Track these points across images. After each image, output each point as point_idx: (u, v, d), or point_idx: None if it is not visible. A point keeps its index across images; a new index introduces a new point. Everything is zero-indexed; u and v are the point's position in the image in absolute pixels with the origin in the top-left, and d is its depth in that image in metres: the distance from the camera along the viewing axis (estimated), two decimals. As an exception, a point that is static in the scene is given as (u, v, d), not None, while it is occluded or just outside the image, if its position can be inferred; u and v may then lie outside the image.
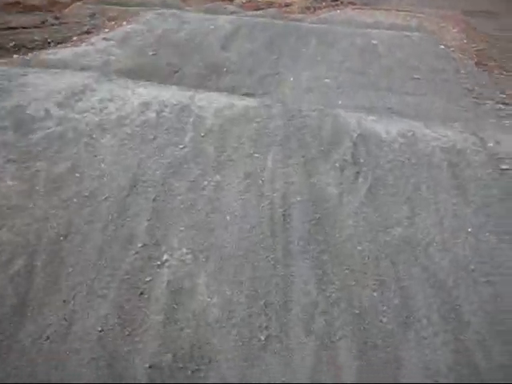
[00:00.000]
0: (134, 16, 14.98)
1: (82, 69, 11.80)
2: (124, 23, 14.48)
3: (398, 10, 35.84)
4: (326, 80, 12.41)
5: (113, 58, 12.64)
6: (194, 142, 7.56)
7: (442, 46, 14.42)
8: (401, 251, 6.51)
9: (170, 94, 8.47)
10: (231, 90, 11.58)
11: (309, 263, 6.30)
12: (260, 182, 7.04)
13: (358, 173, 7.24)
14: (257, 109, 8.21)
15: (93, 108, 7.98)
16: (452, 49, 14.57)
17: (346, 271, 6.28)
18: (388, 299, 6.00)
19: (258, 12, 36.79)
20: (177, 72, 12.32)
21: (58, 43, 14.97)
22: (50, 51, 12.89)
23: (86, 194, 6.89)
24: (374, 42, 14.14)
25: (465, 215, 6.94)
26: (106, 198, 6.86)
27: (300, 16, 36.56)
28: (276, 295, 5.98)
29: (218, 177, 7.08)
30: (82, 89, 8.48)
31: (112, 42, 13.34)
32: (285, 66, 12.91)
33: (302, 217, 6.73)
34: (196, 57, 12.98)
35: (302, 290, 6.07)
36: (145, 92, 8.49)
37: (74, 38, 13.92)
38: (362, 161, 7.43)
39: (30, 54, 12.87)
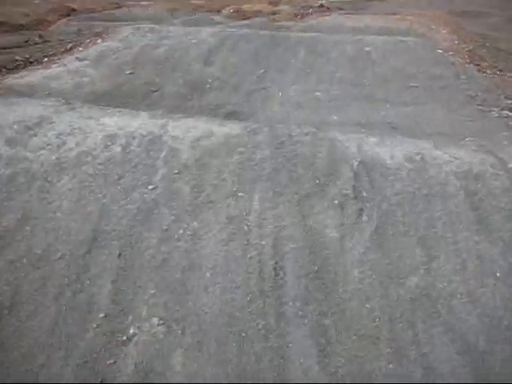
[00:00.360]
0: (109, 33, 13.63)
1: (50, 94, 10.46)
2: (99, 41, 13.12)
3: (386, 14, 34.61)
4: (317, 93, 11.09)
5: (86, 79, 11.30)
6: (166, 180, 6.22)
7: (440, 51, 13.09)
8: (418, 307, 5.17)
9: (140, 123, 7.12)
10: (214, 109, 10.25)
11: (308, 330, 4.96)
12: (245, 227, 5.70)
13: (361, 210, 5.90)
14: (240, 136, 6.86)
15: (49, 144, 6.64)
16: (451, 52, 13.24)
17: (354, 338, 4.94)
18: (408, 372, 4.65)
19: (245, 22, 35.49)
20: (155, 91, 10.99)
21: (40, 63, 13.64)
22: (17, 75, 11.55)
23: (38, 251, 5.54)
24: (367, 48, 12.82)
25: (490, 256, 5.60)
26: (61, 257, 5.51)
27: (288, 24, 35.26)
28: (269, 375, 4.63)
29: (195, 223, 5.74)
30: (39, 121, 7.14)
31: (86, 62, 12.00)
32: (272, 79, 11.58)
33: (298, 269, 5.38)
34: (176, 74, 11.64)
35: (301, 366, 4.73)
36: (111, 122, 7.15)
37: (47, 59, 12.55)
38: (365, 194, 6.09)
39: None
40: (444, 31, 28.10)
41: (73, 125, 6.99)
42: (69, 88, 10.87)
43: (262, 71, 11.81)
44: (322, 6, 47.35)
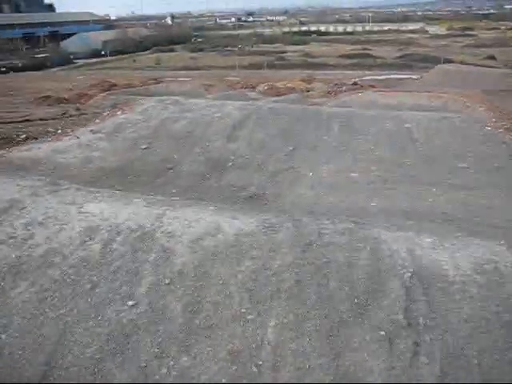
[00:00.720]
0: (130, 104, 12.33)
1: (55, 168, 9.04)
2: (118, 112, 11.80)
3: (419, 92, 33.24)
4: (353, 174, 9.39)
5: (96, 154, 9.87)
6: (152, 294, 4.47)
7: (488, 128, 11.35)
8: None
9: (130, 212, 5.48)
10: (234, 191, 8.64)
11: None
12: (254, 368, 3.87)
13: (417, 345, 4.03)
14: (255, 234, 5.12)
15: (12, 237, 5.01)
16: (500, 130, 11.48)
17: None
18: None
19: (279, 98, 34.50)
20: (171, 169, 9.47)
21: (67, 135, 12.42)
22: (26, 147, 10.19)
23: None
24: (407, 125, 11.17)
25: None
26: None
27: (320, 100, 34.16)
28: None
29: (184, 359, 3.95)
30: (7, 206, 5.56)
31: (100, 135, 10.63)
32: (302, 157, 9.96)
33: None
34: (196, 150, 10.14)
35: None
36: (96, 209, 5.53)
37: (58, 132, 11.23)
38: (421, 322, 4.22)
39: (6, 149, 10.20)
40: (481, 109, 26.48)
41: (48, 212, 5.39)
42: (76, 163, 9.44)
43: (290, 148, 10.23)
44: (355, 83, 46.40)
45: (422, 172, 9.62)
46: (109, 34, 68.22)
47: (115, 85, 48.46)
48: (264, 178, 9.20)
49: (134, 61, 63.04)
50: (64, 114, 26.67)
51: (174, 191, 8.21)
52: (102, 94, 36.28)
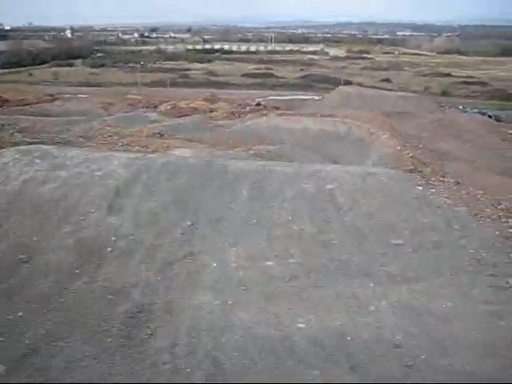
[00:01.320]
0: (-13, 158, 9.38)
1: None
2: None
3: (322, 116, 31.80)
4: (269, 263, 7.11)
5: None
6: None
7: (419, 188, 9.47)
8: None
9: None
10: (111, 302, 6.05)
11: None
12: None
13: None
14: None
15: None
16: (432, 190, 9.64)
17: None
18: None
19: (181, 120, 31.92)
20: (26, 262, 6.70)
21: None
22: None
23: None
24: (330, 186, 9.07)
25: None
26: None
27: (224, 122, 31.95)
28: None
29: None
30: None
31: None
32: (203, 237, 7.58)
33: None
34: (66, 228, 7.44)
35: None
36: None
37: None
38: None
39: None
40: (384, 136, 25.27)
41: None
42: None
43: (188, 223, 7.84)
44: (258, 104, 44.71)
45: (351, 254, 7.53)
46: (2, 45, 62.47)
47: (8, 100, 43.70)
48: (153, 272, 6.72)
49: (30, 74, 58.22)
50: None
51: (19, 313, 5.48)
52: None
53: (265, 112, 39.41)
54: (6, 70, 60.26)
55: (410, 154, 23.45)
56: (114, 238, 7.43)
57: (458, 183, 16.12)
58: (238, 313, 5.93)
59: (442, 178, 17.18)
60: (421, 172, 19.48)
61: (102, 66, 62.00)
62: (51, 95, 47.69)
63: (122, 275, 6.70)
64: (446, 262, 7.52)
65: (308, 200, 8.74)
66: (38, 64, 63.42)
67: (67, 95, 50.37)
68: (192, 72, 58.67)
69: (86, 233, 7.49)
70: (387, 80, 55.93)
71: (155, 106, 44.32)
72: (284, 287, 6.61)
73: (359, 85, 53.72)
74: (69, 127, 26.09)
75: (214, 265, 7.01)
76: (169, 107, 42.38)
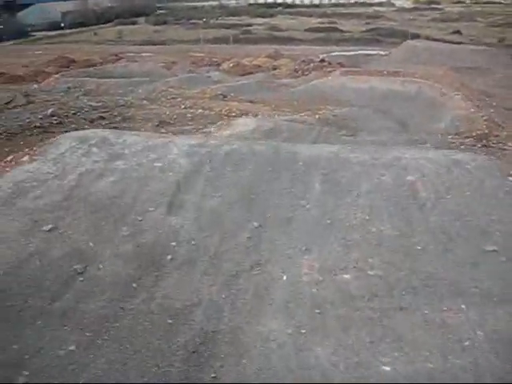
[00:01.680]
0: (44, 144, 8.79)
1: None
2: (25, 158, 8.27)
3: (389, 73, 29.95)
4: (345, 276, 6.22)
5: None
6: None
7: (511, 178, 8.20)
8: None
9: None
10: (171, 327, 5.35)
11: None
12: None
13: None
14: None
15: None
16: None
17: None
18: None
19: (245, 79, 30.86)
20: (81, 274, 6.10)
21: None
22: None
23: None
24: (410, 178, 7.95)
25: None
26: None
27: (288, 81, 30.64)
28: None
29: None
30: None
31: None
32: (272, 242, 6.74)
33: None
34: (123, 230, 6.78)
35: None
36: None
37: None
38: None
39: None
40: (457, 96, 23.42)
41: None
42: None
43: (256, 225, 6.98)
44: (323, 60, 42.91)
45: (438, 265, 6.50)
46: (68, 5, 62.63)
47: (74, 61, 43.93)
48: (217, 287, 5.95)
49: (95, 34, 58.27)
50: (8, 103, 22.82)
51: (71, 346, 4.87)
52: (55, 76, 32.07)
53: (329, 69, 37.75)
54: (74, 30, 60.50)
55: (485, 117, 21.67)
56: (174, 244, 6.71)
57: None
58: (312, 347, 5.09)
59: None
60: (497, 136, 17.96)
61: (165, 23, 61.14)
62: (115, 54, 47.55)
63: (182, 291, 5.99)
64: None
65: (387, 195, 7.69)
66: (103, 23, 63.35)
67: (131, 54, 50.12)
68: (254, 27, 56.97)
69: (145, 237, 6.79)
70: (458, 32, 52.38)
71: (218, 64, 43.42)
72: (363, 309, 5.72)
73: (427, 38, 50.69)
74: (132, 88, 25.68)
75: (284, 278, 6.18)
76: (232, 65, 41.35)
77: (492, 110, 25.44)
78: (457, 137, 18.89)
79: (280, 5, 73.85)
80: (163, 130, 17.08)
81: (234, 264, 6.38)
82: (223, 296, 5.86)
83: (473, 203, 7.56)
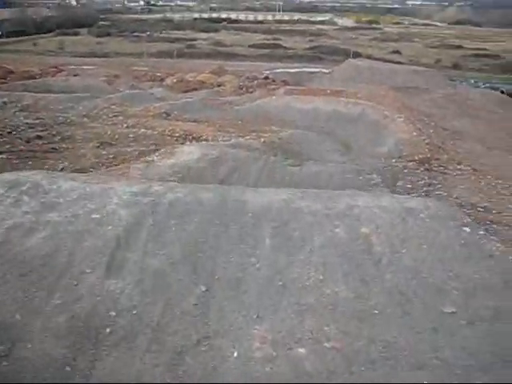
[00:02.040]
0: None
1: None
2: None
3: (332, 92, 29.95)
4: (300, 350, 5.71)
5: None
6: None
7: (466, 229, 7.96)
8: None
9: None
10: None
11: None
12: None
13: None
14: None
15: None
16: (480, 232, 8.15)
17: None
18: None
19: (189, 96, 30.09)
20: (5, 357, 5.30)
21: None
22: None
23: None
24: (365, 230, 7.57)
25: None
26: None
27: (232, 98, 30.12)
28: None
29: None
30: None
31: None
32: (221, 310, 6.14)
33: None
34: (56, 298, 6.02)
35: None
36: None
37: None
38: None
39: None
40: (400, 119, 23.60)
41: None
42: None
43: (203, 289, 6.38)
44: (266, 77, 42.74)
45: (397, 332, 6.10)
46: (5, 13, 59.96)
47: (12, 72, 41.78)
48: (160, 369, 5.28)
49: (35, 44, 56.14)
50: None
51: None
52: (-8, 88, 30.15)
53: (273, 86, 37.55)
54: (12, 39, 58.11)
55: (426, 140, 21.81)
56: (113, 313, 6.02)
57: (475, 170, 15.56)
58: None
59: (458, 166, 16.24)
60: (438, 160, 17.93)
61: (108, 35, 59.72)
62: (56, 67, 45.85)
63: (123, 374, 5.31)
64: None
65: (341, 250, 7.27)
66: (43, 33, 61.16)
67: (72, 66, 48.46)
68: (199, 42, 56.49)
69: (81, 305, 6.07)
70: (397, 52, 53.69)
71: (162, 79, 42.60)
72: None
73: (369, 57, 51.64)
74: (72, 105, 24.50)
75: (235, 355, 5.61)
76: (175, 81, 40.59)
77: (431, 131, 25.73)
78: (400, 160, 18.83)
79: (225, 20, 73.61)
80: (104, 152, 16.14)
81: (180, 337, 5.77)
82: (168, 380, 5.21)
83: (428, 258, 7.23)
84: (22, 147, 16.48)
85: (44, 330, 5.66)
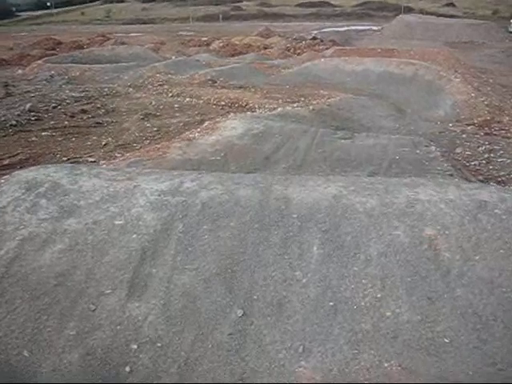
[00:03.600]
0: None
1: None
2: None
3: (382, 51, 28.02)
4: None
5: None
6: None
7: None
8: None
9: None
10: None
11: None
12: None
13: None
14: None
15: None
16: None
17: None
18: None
19: (235, 61, 28.89)
20: None
21: None
22: None
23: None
24: (429, 232, 6.24)
25: None
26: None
27: (280, 62, 28.62)
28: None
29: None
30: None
31: None
32: (259, 342, 5.06)
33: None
34: (69, 331, 5.11)
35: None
36: None
37: None
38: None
39: None
40: (457, 79, 21.64)
41: None
42: None
43: (239, 314, 5.30)
44: (314, 38, 40.67)
45: (474, 368, 4.84)
46: (52, -16, 59.61)
47: (60, 43, 41.55)
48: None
49: (82, 13, 55.80)
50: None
51: None
52: (38, 62, 29.93)
53: (321, 47, 35.67)
54: (61, 10, 57.81)
55: (486, 102, 20.11)
56: (135, 347, 5.01)
57: None
58: None
59: None
60: (499, 123, 16.75)
61: (154, 0, 58.39)
62: (103, 35, 45.36)
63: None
64: None
65: (402, 259, 5.99)
66: (90, 1, 60.52)
67: (119, 34, 47.92)
68: (244, 4, 54.51)
69: (98, 336, 5.08)
70: (451, 4, 50.10)
71: (207, 44, 41.48)
72: None
73: (421, 11, 48.54)
74: (118, 75, 23.96)
75: (275, 406, 4.51)
76: (221, 45, 39.39)
77: (489, 89, 23.64)
78: (458, 124, 17.25)
79: (270, -21, 70.78)
80: (148, 125, 15.44)
81: (211, 379, 4.69)
82: None
83: (509, 267, 5.85)
84: (66, 122, 16.15)
85: (54, 370, 4.72)
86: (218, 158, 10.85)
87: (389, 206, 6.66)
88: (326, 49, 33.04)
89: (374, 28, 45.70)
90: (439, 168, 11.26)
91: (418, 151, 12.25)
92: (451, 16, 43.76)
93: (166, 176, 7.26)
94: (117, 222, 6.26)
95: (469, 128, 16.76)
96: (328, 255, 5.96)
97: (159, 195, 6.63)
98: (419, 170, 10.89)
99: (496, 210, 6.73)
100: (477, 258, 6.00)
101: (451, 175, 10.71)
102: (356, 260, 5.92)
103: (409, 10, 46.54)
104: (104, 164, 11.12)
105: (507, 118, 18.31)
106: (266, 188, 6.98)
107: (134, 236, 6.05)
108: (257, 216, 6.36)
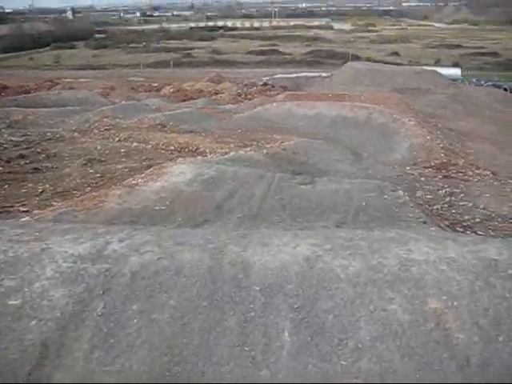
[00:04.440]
0: None
1: None
2: None
3: (333, 95, 27.39)
4: None
5: None
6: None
7: None
8: None
9: None
10: None
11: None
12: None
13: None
14: None
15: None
16: None
17: None
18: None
19: (185, 106, 27.58)
20: None
21: None
22: None
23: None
24: (434, 305, 4.58)
25: None
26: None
27: (231, 107, 27.40)
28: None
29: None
30: None
31: None
32: None
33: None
34: None
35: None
36: None
37: None
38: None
39: None
40: (411, 122, 21.15)
41: None
42: None
43: None
44: (265, 84, 39.96)
45: None
46: (2, 29, 57.69)
47: (6, 87, 39.32)
48: None
49: (31, 59, 53.81)
50: None
51: None
52: (-21, 108, 27.85)
53: (273, 93, 34.91)
54: (8, 55, 55.69)
55: (441, 145, 19.43)
56: None
57: (495, 174, 14.00)
58: None
59: (477, 171, 14.67)
60: (455, 165, 15.66)
61: (105, 47, 57.28)
62: (51, 80, 43.62)
63: None
64: None
65: (403, 344, 4.27)
66: (40, 47, 58.80)
67: (68, 79, 46.28)
68: (196, 51, 54.04)
69: None
70: (396, 53, 51.02)
71: (158, 90, 40.22)
72: None
73: (368, 59, 49.04)
74: (63, 119, 22.04)
75: None
76: (172, 90, 38.19)
77: (439, 132, 23.10)
78: (415, 167, 16.51)
79: (221, 28, 71.33)
80: (91, 171, 13.80)
81: None
82: None
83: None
84: (1, 168, 14.13)
85: None
86: (163, 207, 9.09)
87: (378, 271, 4.99)
88: (277, 94, 32.22)
89: (324, 74, 45.64)
90: (411, 215, 9.89)
91: (385, 196, 10.87)
92: (397, 64, 44.24)
93: (88, 234, 5.39)
94: (11, 302, 4.30)
95: (426, 171, 15.98)
96: (304, 344, 4.19)
97: (74, 262, 4.73)
98: (390, 218, 9.47)
99: (510, 271, 5.16)
100: (500, 339, 4.35)
101: (425, 222, 9.36)
102: (343, 349, 4.16)
103: (356, 58, 46.95)
104: (37, 214, 9.24)
105: (462, 161, 17.75)
106: (218, 249, 5.20)
107: (34, 323, 4.11)
108: (206, 290, 4.54)
